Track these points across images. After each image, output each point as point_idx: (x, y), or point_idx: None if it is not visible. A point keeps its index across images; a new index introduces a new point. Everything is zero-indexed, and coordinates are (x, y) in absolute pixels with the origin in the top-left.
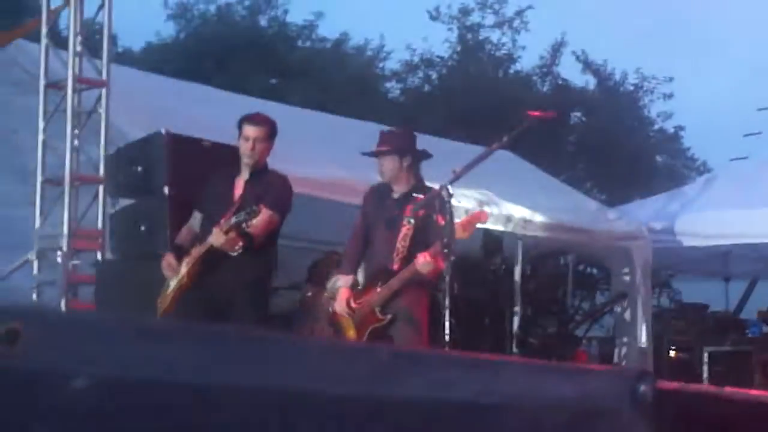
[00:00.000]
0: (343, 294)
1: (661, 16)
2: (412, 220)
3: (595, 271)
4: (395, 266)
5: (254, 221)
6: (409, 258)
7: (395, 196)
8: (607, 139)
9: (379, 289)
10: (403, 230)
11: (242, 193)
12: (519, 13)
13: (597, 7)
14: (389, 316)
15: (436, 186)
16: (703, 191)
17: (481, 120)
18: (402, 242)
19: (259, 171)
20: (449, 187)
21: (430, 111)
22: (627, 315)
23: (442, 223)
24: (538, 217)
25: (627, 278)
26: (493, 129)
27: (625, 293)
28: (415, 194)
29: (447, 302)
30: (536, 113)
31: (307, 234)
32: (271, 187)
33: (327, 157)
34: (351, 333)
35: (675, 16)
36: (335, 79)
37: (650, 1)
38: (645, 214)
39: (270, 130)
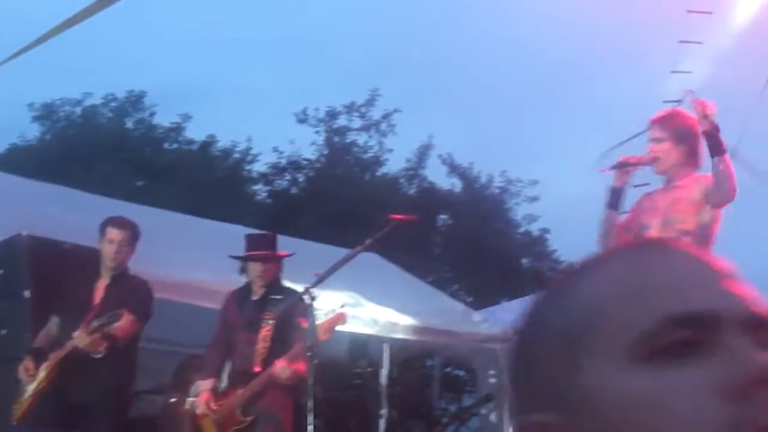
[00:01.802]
0: (203, 396)
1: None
2: (272, 322)
3: (462, 373)
4: (256, 368)
5: (116, 325)
6: (269, 359)
7: (255, 297)
8: (474, 241)
9: (240, 391)
10: (263, 331)
11: (103, 296)
12: (386, 116)
13: (463, 111)
14: (250, 418)
15: (298, 287)
16: None
17: (348, 222)
18: (263, 343)
19: (120, 275)
20: (313, 290)
21: (298, 213)
22: (493, 417)
23: (305, 326)
24: (405, 320)
25: (493, 380)
26: (360, 231)
27: (492, 395)
28: (273, 296)
29: (310, 404)
30: (399, 216)
31: (170, 337)
32: (132, 292)
33: (193, 261)
34: None
35: (532, 117)
36: (202, 181)
37: (506, 104)
38: (511, 316)
39: (133, 234)
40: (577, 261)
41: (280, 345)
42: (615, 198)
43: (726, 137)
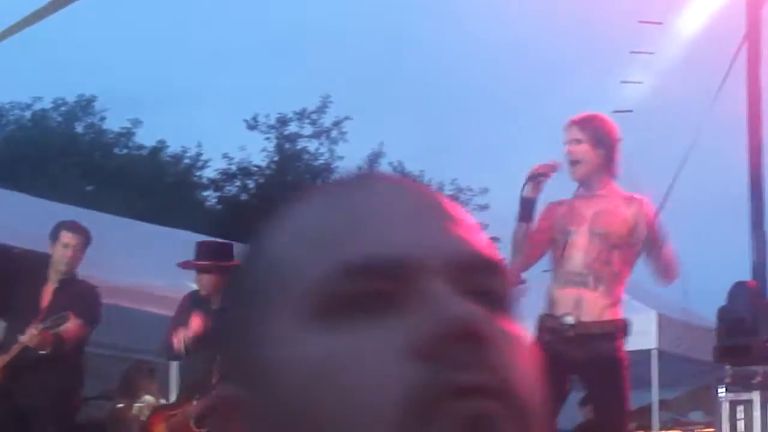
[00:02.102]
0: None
1: (471, 126)
2: None
3: None
4: (214, 380)
5: (63, 326)
6: None
7: (214, 307)
8: None
9: (195, 402)
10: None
11: (50, 300)
12: (337, 123)
13: (414, 119)
14: (204, 431)
15: None
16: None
17: None
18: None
19: (69, 279)
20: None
21: (247, 220)
22: None
23: (196, 353)
24: None
25: None
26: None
27: None
28: None
29: None
30: None
31: (119, 342)
32: (80, 297)
33: (142, 266)
34: None
35: (483, 126)
36: (152, 186)
37: (457, 112)
38: None
39: (86, 239)
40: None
41: None
42: (527, 209)
43: (676, 147)
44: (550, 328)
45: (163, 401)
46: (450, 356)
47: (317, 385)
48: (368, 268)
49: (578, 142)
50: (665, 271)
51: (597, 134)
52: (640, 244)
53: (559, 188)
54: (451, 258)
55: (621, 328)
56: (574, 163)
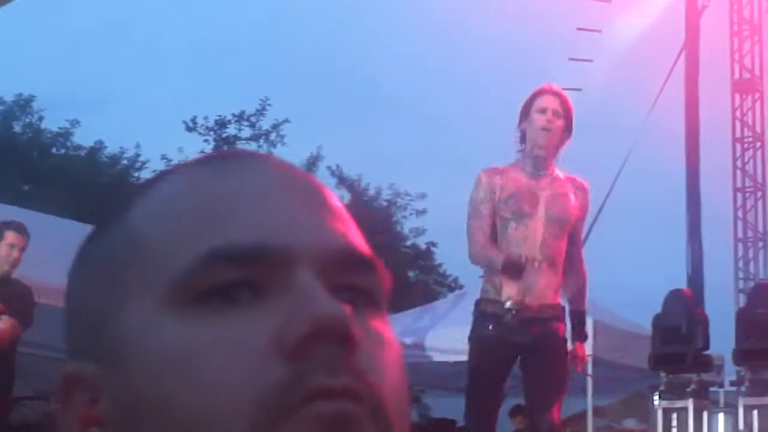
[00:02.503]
0: None
1: (410, 130)
2: None
3: None
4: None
5: None
6: None
7: None
8: None
9: None
10: None
11: None
12: (275, 126)
13: (353, 123)
14: None
15: None
16: (453, 307)
17: None
18: None
19: (3, 279)
20: None
21: None
22: None
23: None
24: None
25: None
26: None
27: None
28: None
29: None
30: None
31: (54, 343)
32: (15, 297)
33: None
34: None
35: (421, 130)
36: (89, 187)
37: (396, 117)
38: (395, 329)
39: (28, 240)
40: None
41: None
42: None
43: (616, 152)
44: (492, 313)
45: None
46: (314, 356)
47: (173, 373)
48: (232, 254)
49: (557, 115)
50: (577, 273)
51: (568, 113)
52: (578, 230)
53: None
54: (322, 250)
55: (563, 312)
56: (546, 132)
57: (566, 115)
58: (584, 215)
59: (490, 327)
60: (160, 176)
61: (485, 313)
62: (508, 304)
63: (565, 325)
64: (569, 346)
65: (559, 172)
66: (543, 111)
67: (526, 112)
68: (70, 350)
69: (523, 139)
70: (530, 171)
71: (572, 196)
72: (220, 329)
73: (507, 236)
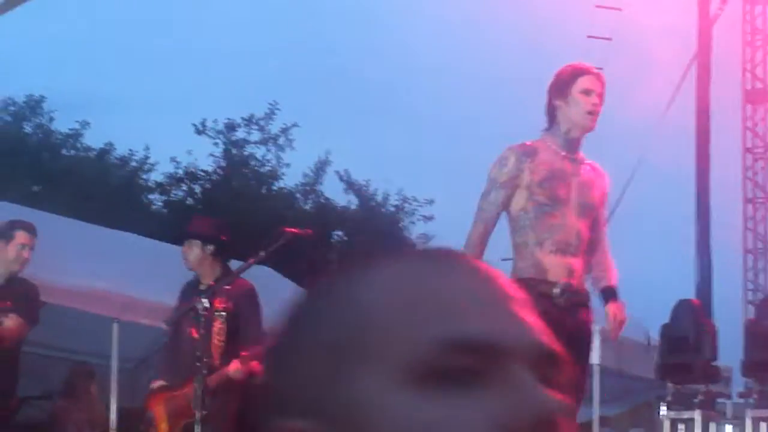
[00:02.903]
0: (148, 398)
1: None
2: (224, 314)
3: None
4: (216, 361)
5: (4, 324)
6: (227, 353)
7: (202, 287)
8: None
9: (196, 384)
10: (216, 324)
11: None
12: (284, 130)
13: (362, 128)
14: (204, 413)
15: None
16: None
17: (243, 235)
18: (218, 337)
19: (12, 278)
20: (204, 299)
21: None
22: None
23: (195, 335)
24: None
25: None
26: (254, 244)
27: None
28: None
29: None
30: (293, 230)
31: (61, 343)
32: (22, 296)
33: (85, 267)
34: (163, 426)
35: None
36: (98, 188)
37: (405, 122)
38: None
39: (36, 240)
40: (349, 261)
41: (233, 340)
42: None
43: (626, 161)
44: (541, 292)
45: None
46: None
47: None
48: (466, 344)
49: (601, 98)
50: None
51: (603, 94)
52: (601, 215)
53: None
54: (534, 348)
55: (589, 297)
56: (592, 117)
57: (603, 93)
58: (604, 200)
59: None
60: (381, 261)
61: (537, 292)
62: (559, 286)
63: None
64: (608, 312)
65: (591, 161)
66: (588, 93)
67: (563, 90)
68: (284, 405)
69: (552, 116)
70: (564, 154)
71: (597, 183)
72: (451, 409)
73: (544, 220)
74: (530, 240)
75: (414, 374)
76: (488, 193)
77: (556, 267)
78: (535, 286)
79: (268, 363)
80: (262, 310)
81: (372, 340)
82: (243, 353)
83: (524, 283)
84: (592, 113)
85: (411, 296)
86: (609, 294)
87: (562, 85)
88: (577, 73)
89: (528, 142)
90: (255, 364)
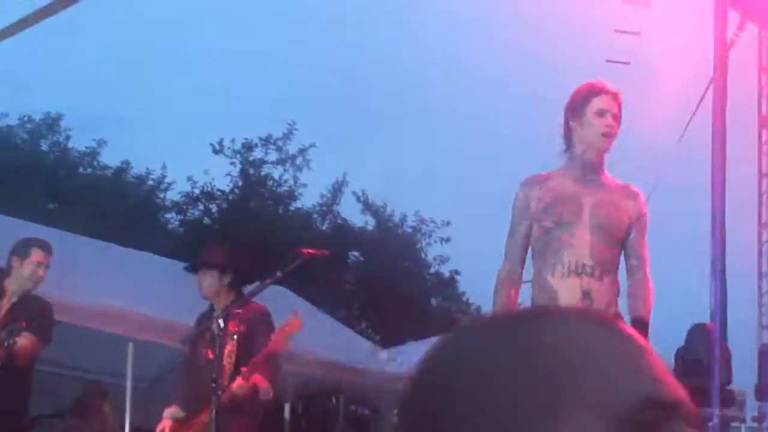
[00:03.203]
0: (162, 424)
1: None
2: (236, 337)
3: (366, 411)
4: (225, 382)
5: (17, 341)
6: (236, 374)
7: (216, 314)
8: (384, 279)
9: (206, 412)
10: (228, 347)
11: (6, 314)
12: (302, 150)
13: (379, 149)
14: None
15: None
16: None
17: (259, 256)
18: (228, 359)
19: (26, 296)
20: (220, 320)
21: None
22: None
23: (211, 357)
24: (311, 355)
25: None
26: (271, 265)
27: None
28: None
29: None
30: (309, 251)
31: (74, 362)
32: (36, 313)
33: (101, 286)
34: None
35: (446, 158)
36: (115, 207)
37: (422, 144)
38: (417, 356)
39: (51, 258)
40: (503, 311)
41: (243, 362)
42: None
43: (641, 185)
44: None
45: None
46: None
47: None
48: (656, 402)
49: (617, 119)
50: (642, 285)
51: (620, 115)
52: (634, 238)
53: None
54: (684, 405)
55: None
56: (607, 139)
57: (619, 115)
58: (639, 223)
59: None
60: (552, 314)
61: None
62: None
63: None
64: None
65: (610, 178)
66: (602, 114)
67: (578, 111)
68: None
69: (568, 138)
70: (578, 176)
71: (623, 203)
72: None
73: (552, 244)
74: (542, 267)
75: (616, 423)
76: (511, 234)
77: (567, 290)
78: None
79: (421, 405)
80: (273, 329)
81: (574, 388)
82: (243, 369)
83: None
84: (606, 135)
85: (604, 350)
86: (635, 326)
87: (576, 106)
88: (592, 93)
89: (541, 173)
90: (257, 378)
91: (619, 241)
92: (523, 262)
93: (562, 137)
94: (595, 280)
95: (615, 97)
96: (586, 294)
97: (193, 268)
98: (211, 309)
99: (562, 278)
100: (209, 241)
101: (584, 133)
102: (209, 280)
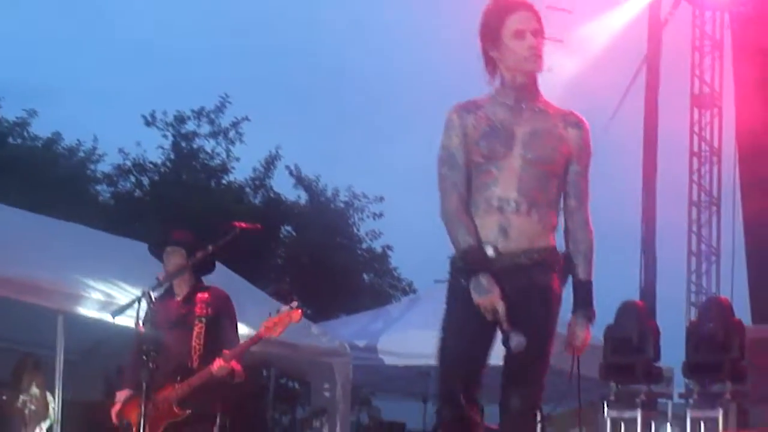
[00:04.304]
0: (114, 408)
1: (369, 133)
2: (204, 319)
3: (296, 385)
4: (194, 363)
5: None
6: (205, 355)
7: (178, 298)
8: (316, 254)
9: (178, 385)
10: (196, 329)
11: None
12: (235, 124)
13: (312, 124)
14: (188, 412)
15: (136, 290)
16: (407, 311)
17: (192, 228)
18: (197, 340)
19: None
20: (152, 292)
21: (141, 216)
22: (326, 431)
23: (142, 329)
24: (243, 329)
25: (327, 394)
26: (203, 238)
27: (325, 409)
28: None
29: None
30: (242, 224)
31: (5, 334)
32: None
33: (31, 259)
34: (144, 430)
35: (381, 133)
36: (45, 178)
37: (355, 119)
38: (348, 331)
39: None
40: None
41: (212, 343)
42: None
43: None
44: (460, 267)
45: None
46: None
47: None
48: None
49: (538, 35)
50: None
51: (543, 25)
52: (575, 174)
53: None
54: None
55: (555, 258)
56: (533, 61)
57: (543, 29)
58: (581, 157)
59: (464, 281)
60: None
61: (458, 265)
62: (489, 247)
63: (561, 278)
64: (573, 323)
65: (549, 104)
66: (521, 35)
67: (493, 36)
68: None
69: (492, 67)
70: (511, 103)
71: (563, 133)
72: None
73: (480, 180)
74: (469, 205)
75: None
76: (449, 165)
77: (485, 228)
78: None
79: None
80: (235, 314)
81: None
82: (225, 351)
83: (451, 261)
84: (531, 57)
85: None
86: (580, 294)
87: (490, 30)
88: (502, 10)
89: (473, 99)
90: (235, 363)
91: (557, 175)
92: (470, 192)
93: (486, 68)
94: (519, 216)
95: (530, 9)
96: (502, 230)
97: (162, 244)
98: (171, 289)
99: (484, 216)
100: (167, 221)
101: (507, 60)
102: (176, 259)
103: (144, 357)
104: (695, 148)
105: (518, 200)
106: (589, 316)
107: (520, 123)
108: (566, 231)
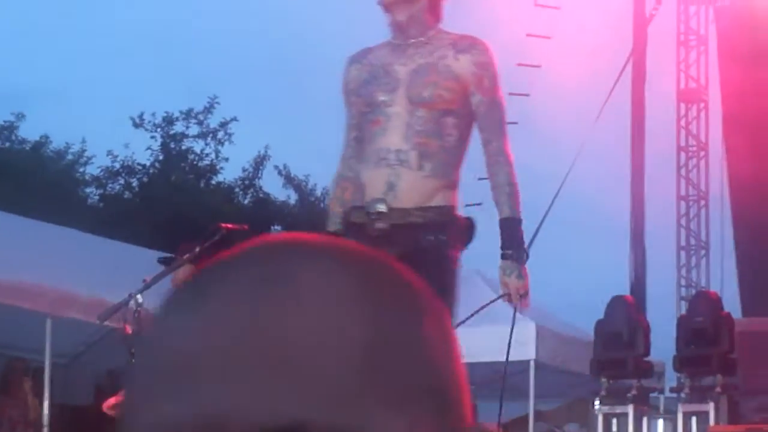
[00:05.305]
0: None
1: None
2: None
3: None
4: None
5: None
6: None
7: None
8: None
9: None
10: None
11: None
12: (223, 124)
13: (301, 123)
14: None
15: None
16: None
17: (181, 229)
18: None
19: None
20: (138, 296)
21: (130, 218)
22: None
23: (129, 332)
24: None
25: None
26: (192, 239)
27: None
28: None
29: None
30: (229, 225)
31: None
32: None
33: (19, 262)
34: None
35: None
36: (33, 181)
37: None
38: None
39: None
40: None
41: None
42: None
43: (562, 157)
44: (355, 222)
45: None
46: None
47: None
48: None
49: None
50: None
51: None
52: (479, 104)
53: None
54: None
55: (451, 217)
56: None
57: None
58: (480, 84)
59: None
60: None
61: (348, 222)
62: (374, 208)
63: (457, 235)
64: (502, 270)
65: (441, 34)
66: None
67: None
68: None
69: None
70: (394, 42)
71: (452, 63)
72: None
73: (367, 130)
74: (360, 158)
75: None
76: (346, 124)
77: (372, 184)
78: (352, 214)
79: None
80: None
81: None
82: None
83: (343, 215)
84: None
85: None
86: (503, 237)
87: None
88: None
89: (369, 46)
90: None
91: (454, 114)
92: (362, 144)
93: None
94: (409, 170)
95: None
96: (390, 186)
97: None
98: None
99: (374, 169)
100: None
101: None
102: (186, 270)
103: (132, 359)
104: (682, 143)
105: (407, 151)
106: (517, 258)
107: (405, 62)
108: (486, 168)
